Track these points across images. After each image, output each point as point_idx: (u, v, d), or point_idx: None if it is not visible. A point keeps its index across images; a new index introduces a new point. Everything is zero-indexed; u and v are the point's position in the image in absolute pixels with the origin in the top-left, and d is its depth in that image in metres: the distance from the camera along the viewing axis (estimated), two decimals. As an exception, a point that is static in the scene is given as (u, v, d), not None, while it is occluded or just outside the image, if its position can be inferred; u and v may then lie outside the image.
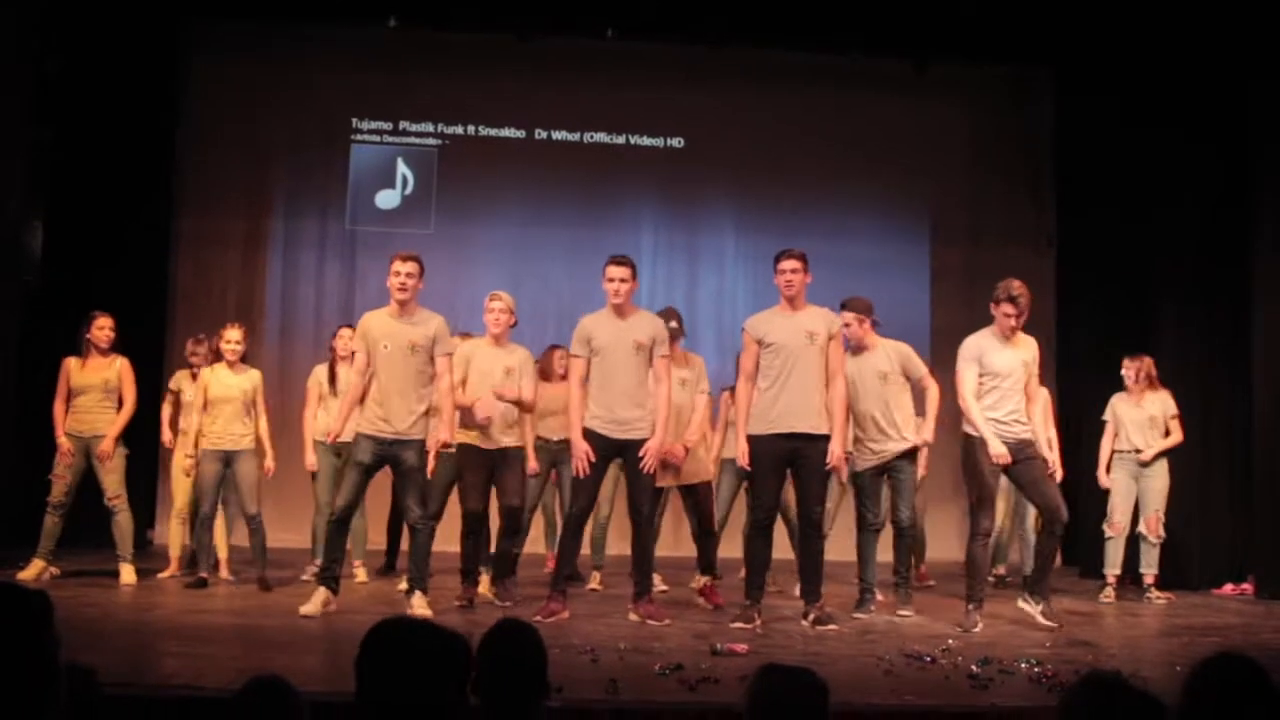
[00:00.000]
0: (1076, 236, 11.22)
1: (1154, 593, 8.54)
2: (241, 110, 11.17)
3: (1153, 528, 8.60)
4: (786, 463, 6.90)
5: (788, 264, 6.89)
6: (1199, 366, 9.56)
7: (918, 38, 10.78)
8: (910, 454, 7.51)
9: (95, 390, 7.94)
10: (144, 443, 8.58)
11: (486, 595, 7.57)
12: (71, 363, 8.00)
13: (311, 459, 8.31)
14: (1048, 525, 7.16)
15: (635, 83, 11.44)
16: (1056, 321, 11.23)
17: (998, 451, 6.85)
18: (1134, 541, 8.71)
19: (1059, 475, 9.15)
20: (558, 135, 11.65)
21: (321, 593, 6.78)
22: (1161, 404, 8.74)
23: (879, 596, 7.58)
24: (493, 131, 11.61)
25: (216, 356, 8.19)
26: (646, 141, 11.72)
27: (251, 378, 8.14)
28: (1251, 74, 8.95)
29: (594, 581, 8.40)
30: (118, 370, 8.01)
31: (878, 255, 11.39)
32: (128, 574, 7.92)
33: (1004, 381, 6.96)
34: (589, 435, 6.83)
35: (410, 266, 6.92)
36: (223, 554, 8.44)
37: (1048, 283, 11.33)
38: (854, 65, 11.23)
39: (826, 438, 6.81)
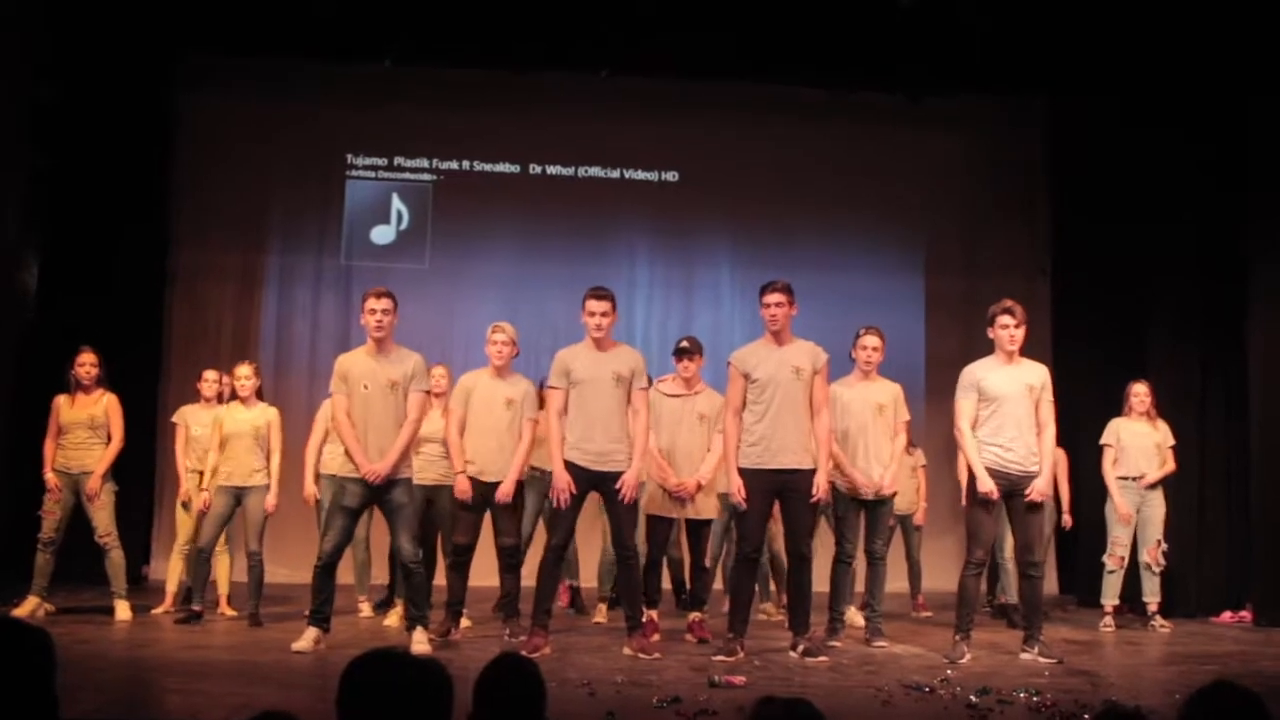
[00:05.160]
0: (1072, 263, 11.25)
1: (1158, 620, 8.51)
2: (237, 146, 11.20)
3: (1154, 556, 8.56)
4: (773, 496, 6.90)
5: (772, 297, 6.88)
6: (1196, 392, 9.59)
7: (909, 70, 10.83)
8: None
9: (81, 427, 7.92)
10: (139, 478, 8.55)
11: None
12: (61, 400, 7.99)
13: (311, 488, 8.30)
14: (1020, 566, 7.06)
15: (629, 117, 11.49)
16: (1054, 348, 11.26)
17: (986, 489, 6.81)
18: (1134, 570, 8.67)
19: (1066, 521, 9.17)
20: (552, 170, 11.68)
21: (312, 631, 6.75)
22: (1163, 433, 8.72)
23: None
24: (487, 166, 11.64)
25: (233, 394, 8.22)
26: (641, 176, 11.75)
27: (266, 414, 8.12)
28: (1250, 92, 9.01)
29: (600, 614, 8.35)
30: (104, 406, 7.99)
31: (873, 286, 11.41)
32: (123, 610, 7.89)
33: (1004, 405, 6.87)
34: (567, 467, 6.83)
35: (385, 303, 6.83)
36: (224, 589, 8.42)
37: (1044, 310, 11.39)
38: (846, 98, 11.30)
39: (813, 471, 6.79)
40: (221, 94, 11.10)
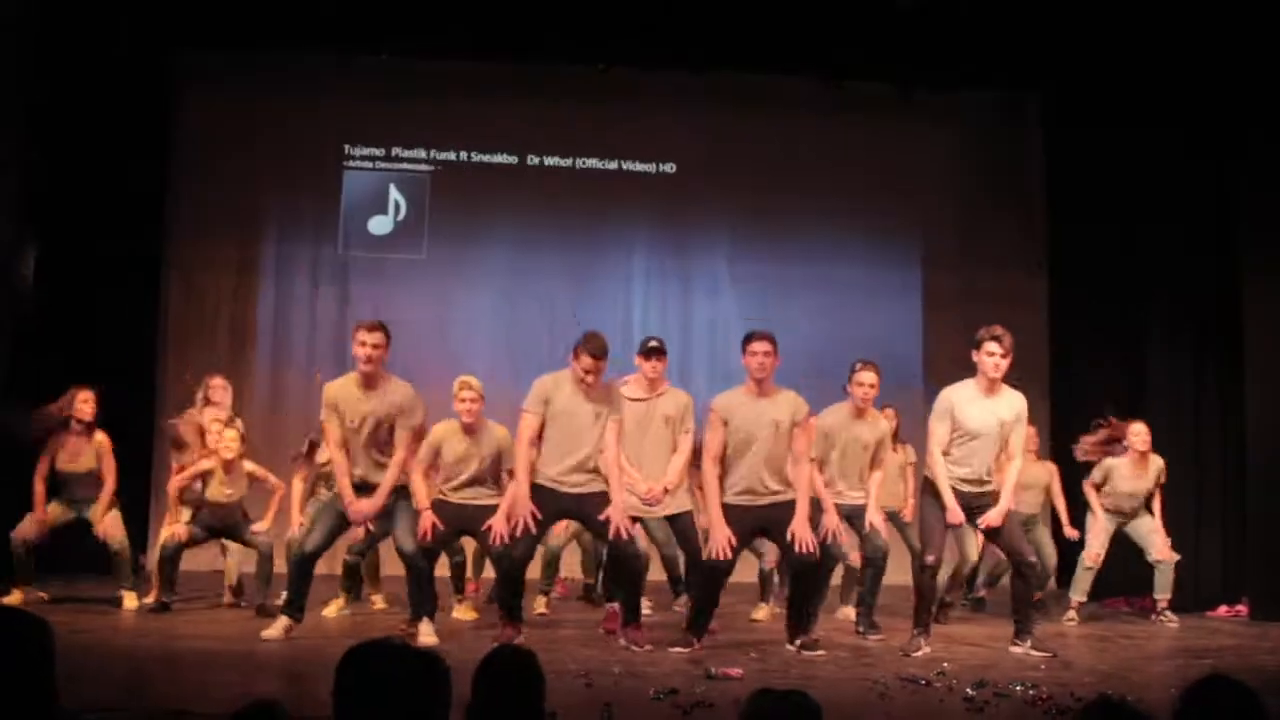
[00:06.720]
0: (1069, 259, 11.26)
1: (1167, 615, 8.50)
2: (234, 137, 11.16)
3: (1166, 555, 8.52)
4: (754, 529, 6.77)
5: (759, 345, 6.66)
6: (1191, 387, 9.60)
7: (908, 64, 10.83)
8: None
9: (81, 481, 8.03)
10: (135, 471, 8.54)
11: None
12: (57, 448, 8.00)
13: (298, 519, 8.19)
14: (1015, 569, 7.01)
15: (627, 109, 11.47)
16: (1050, 346, 11.27)
17: (957, 520, 6.75)
18: (1141, 565, 8.66)
19: (1071, 533, 9.11)
20: (550, 161, 11.66)
21: (283, 620, 6.73)
22: (1156, 470, 8.58)
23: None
24: (485, 157, 11.62)
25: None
26: (638, 167, 11.73)
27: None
28: (1244, 91, 8.99)
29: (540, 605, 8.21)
30: (96, 452, 8.03)
31: (870, 280, 11.42)
32: (130, 600, 7.92)
33: (975, 441, 6.75)
34: (540, 490, 6.66)
35: (376, 337, 6.62)
36: (230, 580, 8.40)
37: (1040, 306, 11.41)
38: (843, 90, 11.29)
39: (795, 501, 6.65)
40: (218, 86, 11.08)
